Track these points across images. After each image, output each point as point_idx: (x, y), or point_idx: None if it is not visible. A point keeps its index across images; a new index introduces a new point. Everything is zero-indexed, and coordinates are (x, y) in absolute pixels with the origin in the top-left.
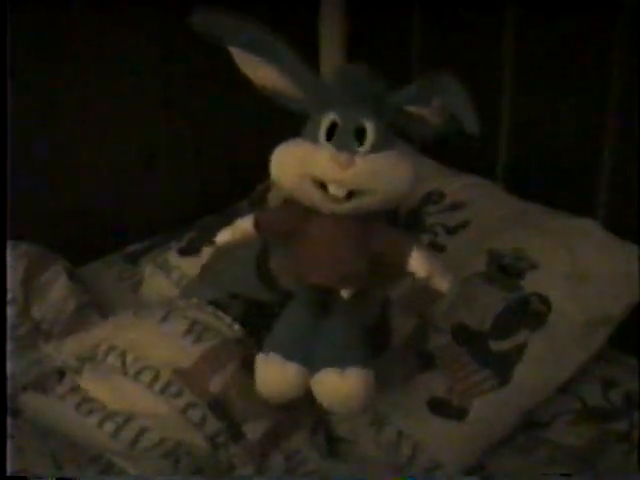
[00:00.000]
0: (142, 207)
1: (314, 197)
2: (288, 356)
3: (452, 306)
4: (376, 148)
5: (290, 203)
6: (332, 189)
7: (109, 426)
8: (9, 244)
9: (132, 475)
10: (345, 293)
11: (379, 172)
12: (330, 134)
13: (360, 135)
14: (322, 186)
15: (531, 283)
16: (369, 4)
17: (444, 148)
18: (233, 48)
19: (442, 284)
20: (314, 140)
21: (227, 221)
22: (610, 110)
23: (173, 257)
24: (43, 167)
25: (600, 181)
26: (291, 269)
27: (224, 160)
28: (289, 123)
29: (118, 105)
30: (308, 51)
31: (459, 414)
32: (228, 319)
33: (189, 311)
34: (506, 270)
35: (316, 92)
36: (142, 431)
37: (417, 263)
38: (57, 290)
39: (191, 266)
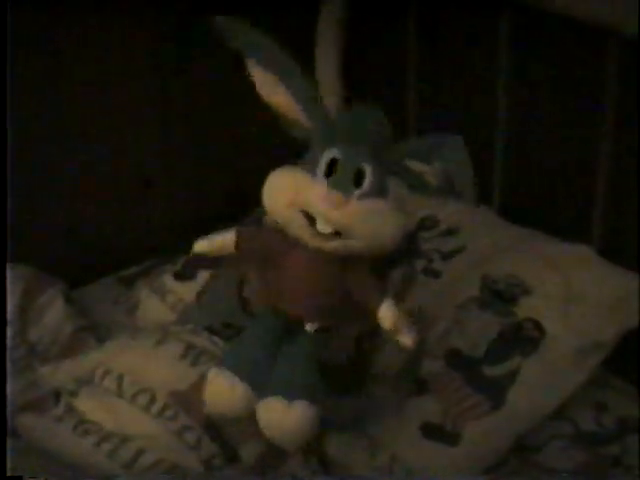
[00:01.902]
0: (138, 229)
1: (301, 230)
2: (239, 375)
3: (446, 332)
4: (371, 193)
5: (275, 228)
6: (320, 225)
7: (106, 447)
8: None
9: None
10: (309, 327)
11: (368, 220)
12: (329, 170)
13: (358, 177)
14: (310, 219)
15: (525, 309)
16: (365, 18)
17: None
18: (254, 69)
19: (406, 340)
20: (311, 172)
21: None
22: (605, 136)
23: (169, 281)
24: (39, 189)
25: (595, 207)
26: (261, 292)
27: (222, 182)
28: (288, 145)
29: (115, 125)
30: (304, 63)
31: (452, 439)
32: (222, 344)
33: (184, 335)
34: (500, 296)
35: (323, 124)
36: (139, 452)
37: (385, 315)
38: (53, 313)
39: (186, 290)
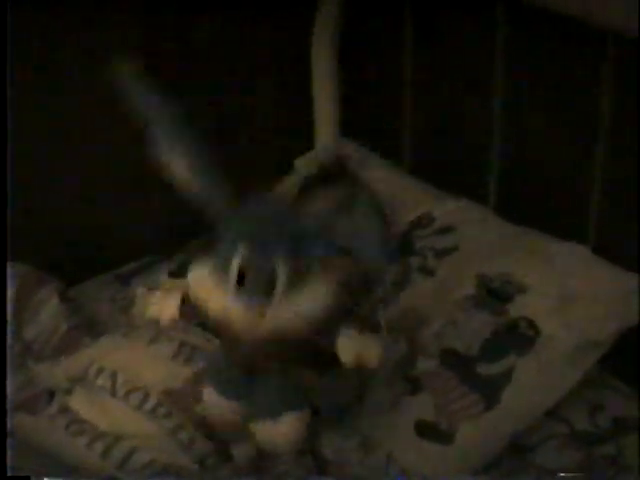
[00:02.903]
0: (135, 227)
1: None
2: (226, 396)
3: (440, 330)
4: (290, 288)
5: None
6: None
7: (99, 446)
8: None
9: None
10: None
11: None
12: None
13: (271, 280)
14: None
15: (519, 307)
16: (363, 18)
17: (435, 170)
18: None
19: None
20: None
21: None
22: (600, 133)
23: (164, 279)
24: (37, 188)
25: (592, 206)
26: None
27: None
28: (286, 146)
29: (115, 125)
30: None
31: (447, 438)
32: (216, 341)
33: (177, 333)
34: (495, 294)
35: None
36: (132, 451)
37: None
38: (48, 311)
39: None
